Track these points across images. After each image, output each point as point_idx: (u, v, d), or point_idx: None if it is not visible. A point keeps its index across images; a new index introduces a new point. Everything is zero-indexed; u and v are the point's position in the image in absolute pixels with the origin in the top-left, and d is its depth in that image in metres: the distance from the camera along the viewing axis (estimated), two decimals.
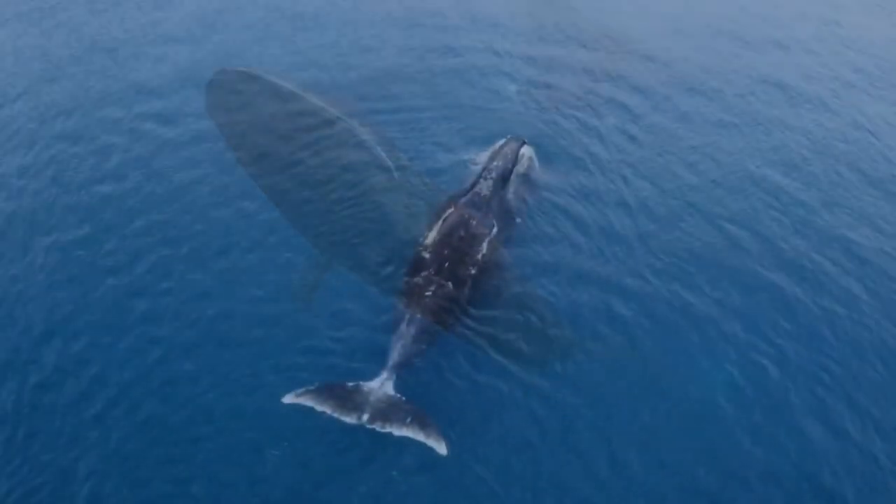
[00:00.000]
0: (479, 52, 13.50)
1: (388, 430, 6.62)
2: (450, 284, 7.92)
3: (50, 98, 11.09)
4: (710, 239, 9.31)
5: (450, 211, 8.92)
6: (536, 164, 10.42)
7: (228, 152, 10.04)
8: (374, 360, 7.11)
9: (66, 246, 8.35)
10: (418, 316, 7.54)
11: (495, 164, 9.75)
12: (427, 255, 8.24)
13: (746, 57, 14.52)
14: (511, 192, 9.63)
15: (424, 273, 8.02)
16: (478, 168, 9.88)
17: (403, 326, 7.38)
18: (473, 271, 8.17)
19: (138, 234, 8.55)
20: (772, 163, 11.02)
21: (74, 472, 6.27)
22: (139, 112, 10.78)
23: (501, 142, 10.41)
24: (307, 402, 6.68)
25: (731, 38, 15.40)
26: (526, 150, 10.40)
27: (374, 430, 6.58)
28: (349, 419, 6.64)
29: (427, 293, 7.79)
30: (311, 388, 6.78)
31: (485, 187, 9.34)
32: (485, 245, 8.51)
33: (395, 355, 7.11)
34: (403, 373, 7.06)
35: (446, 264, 8.09)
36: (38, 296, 7.76)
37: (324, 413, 6.61)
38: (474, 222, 8.73)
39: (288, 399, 6.68)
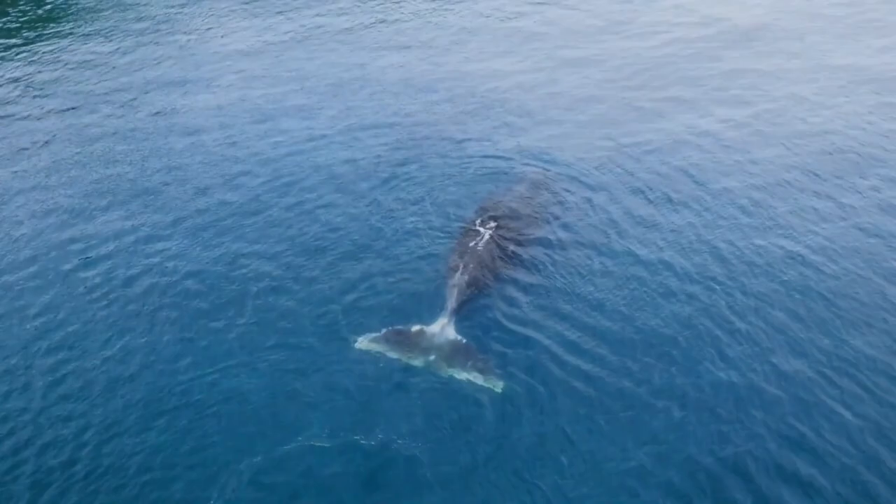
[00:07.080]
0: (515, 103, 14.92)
1: (450, 371, 7.32)
2: (499, 239, 9.21)
3: None
4: (695, 219, 10.21)
5: (496, 194, 10.63)
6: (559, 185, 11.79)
7: None
8: (434, 306, 8.07)
9: None
10: (471, 265, 8.62)
11: (529, 176, 11.42)
12: (478, 218, 9.73)
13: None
14: (544, 195, 11.01)
15: (476, 231, 9.38)
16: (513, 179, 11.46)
17: (458, 274, 8.43)
18: (518, 229, 9.60)
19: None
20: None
21: None
22: None
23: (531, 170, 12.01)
24: (377, 347, 7.51)
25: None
26: (550, 175, 11.90)
27: (437, 370, 7.28)
28: (416, 362, 7.39)
29: (479, 246, 9.02)
30: (379, 333, 7.64)
31: (524, 187, 10.91)
32: (525, 215, 9.99)
33: (452, 300, 8.07)
34: (460, 315, 7.93)
35: (494, 224, 9.50)
36: None
37: (392, 355, 7.39)
38: (516, 200, 10.35)
39: (360, 345, 7.51)
